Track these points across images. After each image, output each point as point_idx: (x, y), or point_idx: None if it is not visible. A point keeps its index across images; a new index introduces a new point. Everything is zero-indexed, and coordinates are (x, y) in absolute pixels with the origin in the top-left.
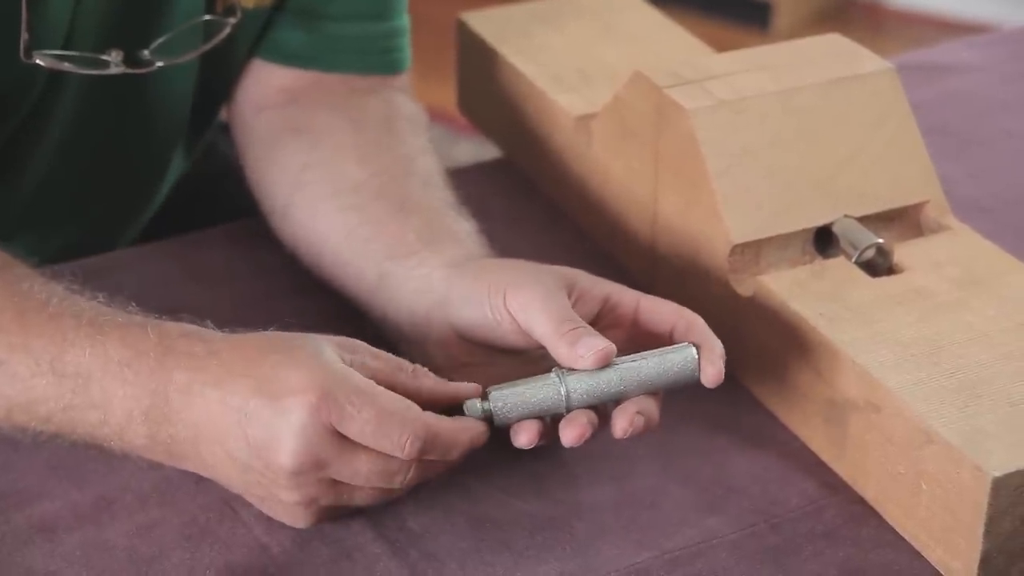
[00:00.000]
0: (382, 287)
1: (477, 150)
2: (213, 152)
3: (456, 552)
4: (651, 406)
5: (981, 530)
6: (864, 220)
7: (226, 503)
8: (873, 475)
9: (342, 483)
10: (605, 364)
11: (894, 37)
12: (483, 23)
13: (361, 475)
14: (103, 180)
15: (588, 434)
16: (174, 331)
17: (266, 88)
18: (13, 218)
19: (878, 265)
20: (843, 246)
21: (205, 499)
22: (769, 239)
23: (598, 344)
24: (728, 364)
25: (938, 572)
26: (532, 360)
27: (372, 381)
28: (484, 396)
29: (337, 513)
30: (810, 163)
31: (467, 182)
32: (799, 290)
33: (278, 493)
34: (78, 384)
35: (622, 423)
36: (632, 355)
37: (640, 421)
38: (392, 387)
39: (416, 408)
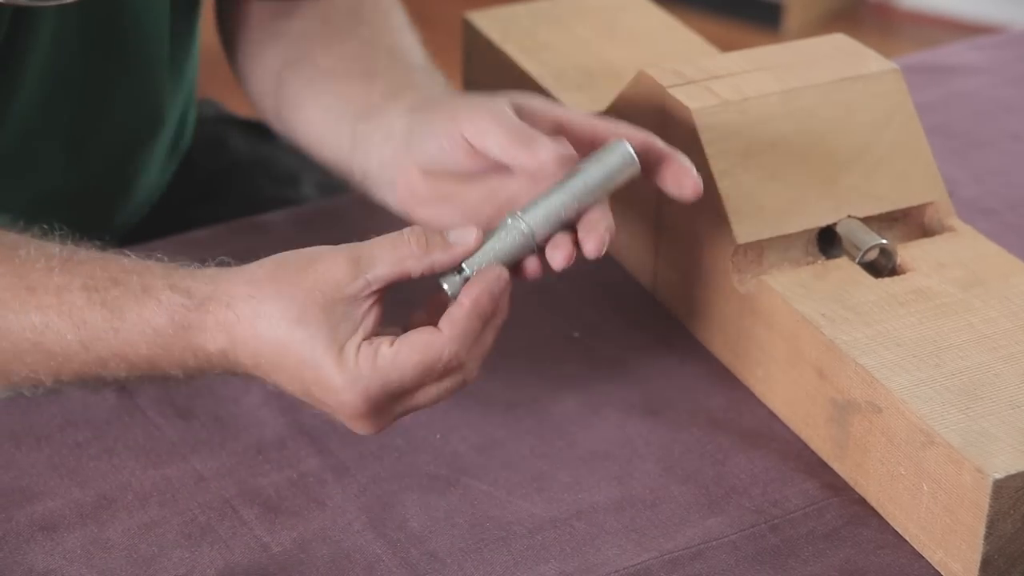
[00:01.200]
0: (355, 148)
1: None
2: (221, 146)
3: (456, 552)
4: (607, 215)
5: (982, 532)
6: (868, 221)
7: (227, 502)
8: (874, 476)
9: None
10: (565, 168)
11: (905, 38)
12: (489, 22)
13: (427, 402)
14: (91, 121)
15: (605, 240)
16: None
17: None
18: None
19: (881, 266)
20: (846, 247)
21: (206, 498)
22: (772, 239)
23: (556, 148)
24: (730, 364)
25: (939, 574)
26: (493, 191)
27: (394, 350)
28: (458, 270)
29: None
30: (814, 164)
31: None
32: (802, 290)
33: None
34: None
35: (595, 243)
36: (572, 170)
37: (608, 235)
38: (410, 276)
39: (441, 337)
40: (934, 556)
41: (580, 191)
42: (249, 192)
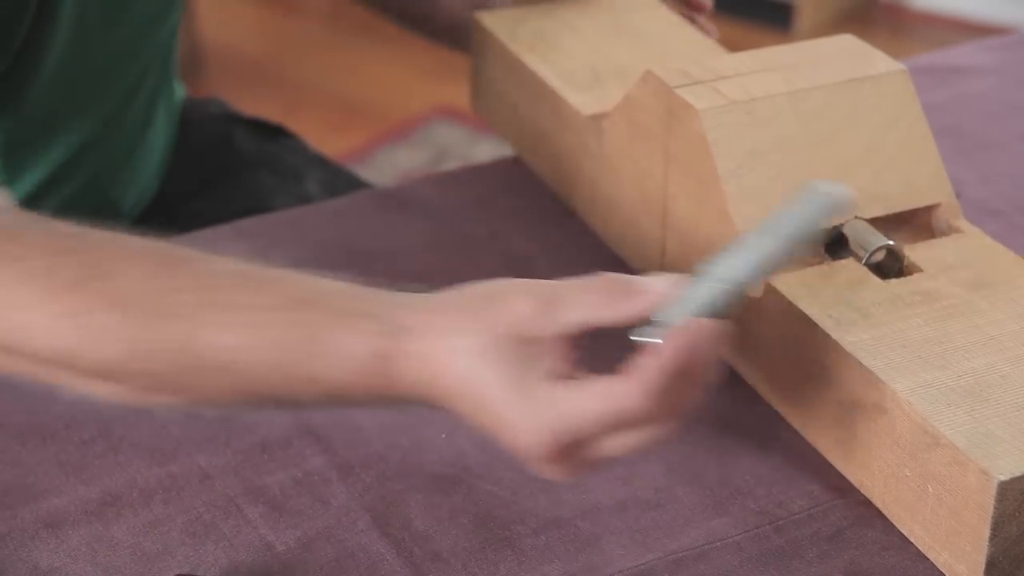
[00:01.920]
0: None
1: (497, 150)
2: (228, 143)
3: (460, 551)
4: None
5: (987, 534)
6: (875, 222)
7: (231, 500)
8: (879, 477)
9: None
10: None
11: (917, 38)
12: (497, 22)
13: (617, 454)
14: (106, 91)
15: None
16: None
17: None
18: (23, 127)
19: (888, 267)
20: (853, 248)
21: (210, 496)
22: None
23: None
24: (736, 364)
25: (941, 575)
26: None
27: (574, 393)
28: (654, 322)
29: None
30: (820, 164)
31: (477, 180)
32: (808, 291)
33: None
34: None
35: None
36: (773, 216)
37: None
38: (600, 324)
39: (628, 388)
40: (939, 558)
41: (788, 236)
42: (253, 187)
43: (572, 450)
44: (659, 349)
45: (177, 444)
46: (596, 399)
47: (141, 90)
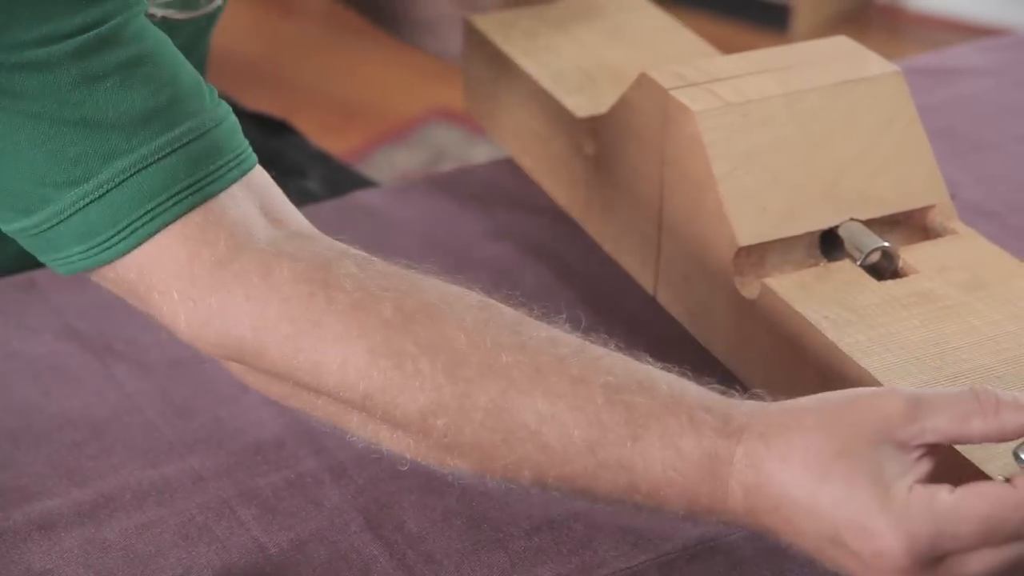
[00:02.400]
0: None
1: (494, 152)
2: None
3: (453, 553)
4: None
5: None
6: (870, 223)
7: (225, 503)
8: None
9: None
10: None
11: (913, 40)
12: (491, 24)
13: (980, 571)
14: None
15: None
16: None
17: None
18: None
19: (884, 268)
20: (848, 249)
21: (203, 498)
22: (774, 242)
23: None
24: (732, 366)
25: None
26: None
27: (956, 496)
28: None
29: None
30: (816, 166)
31: (471, 183)
32: (804, 293)
33: None
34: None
35: None
36: None
37: None
38: (970, 438)
39: (1016, 495)
40: None
41: None
42: None
43: (933, 563)
44: None
45: (170, 446)
46: (977, 503)
47: None
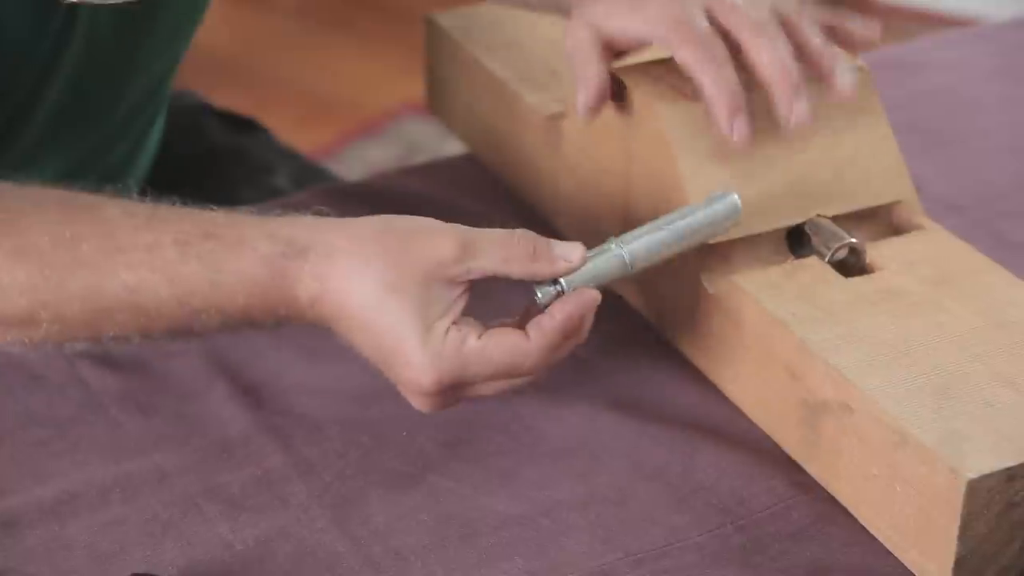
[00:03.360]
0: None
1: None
2: (199, 135)
3: (420, 549)
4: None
5: (956, 532)
6: (836, 220)
7: (190, 500)
8: (847, 477)
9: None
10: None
11: (886, 31)
12: (452, 21)
13: (490, 393)
14: (113, 100)
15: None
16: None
17: None
18: (27, 146)
19: (851, 265)
20: (815, 246)
21: (168, 495)
22: (741, 239)
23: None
24: (700, 364)
25: (909, 572)
26: None
27: (481, 343)
28: (554, 283)
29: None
30: (782, 162)
31: (434, 179)
32: (772, 290)
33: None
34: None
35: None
36: (678, 211)
37: None
38: (509, 276)
39: (529, 345)
40: (907, 556)
41: (683, 232)
42: (224, 181)
43: (455, 390)
44: (556, 310)
45: (135, 443)
46: (497, 351)
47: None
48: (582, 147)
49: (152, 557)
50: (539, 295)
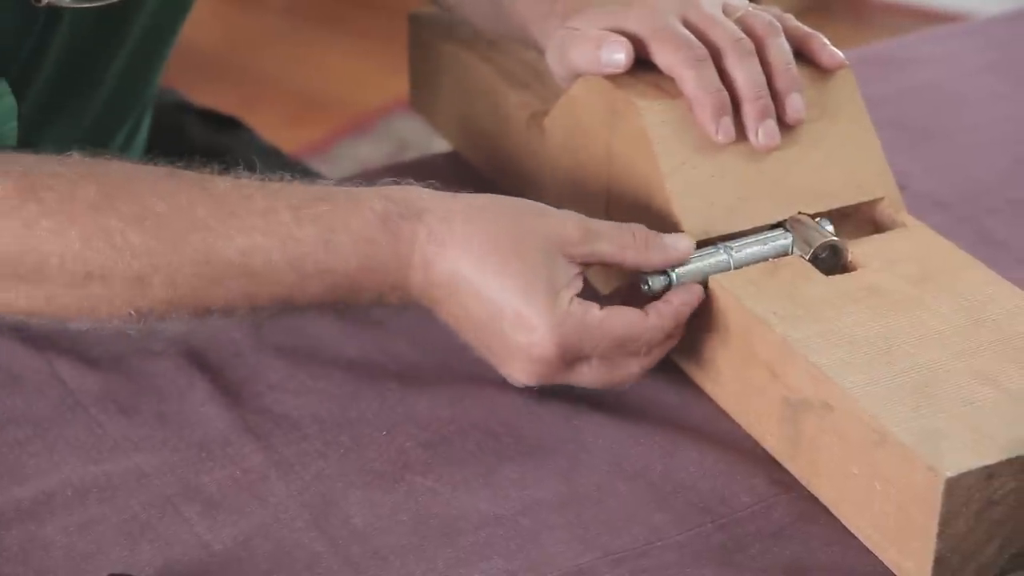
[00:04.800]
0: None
1: None
2: (179, 134)
3: (399, 549)
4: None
5: (935, 531)
6: (818, 218)
7: (168, 500)
8: (826, 475)
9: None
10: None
11: (877, 28)
12: (435, 18)
13: (587, 382)
14: (93, 103)
15: None
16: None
17: None
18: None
19: (832, 263)
20: (797, 244)
21: (147, 496)
22: (722, 237)
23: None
24: (681, 363)
25: (887, 570)
26: None
27: (603, 314)
28: (664, 274)
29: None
30: (763, 160)
31: (420, 175)
32: (753, 288)
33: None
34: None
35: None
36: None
37: None
38: (623, 263)
39: (647, 321)
40: (886, 555)
41: (778, 252)
42: None
43: (566, 362)
44: (673, 296)
45: (114, 443)
46: (618, 321)
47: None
48: (564, 145)
49: (129, 557)
50: (650, 283)
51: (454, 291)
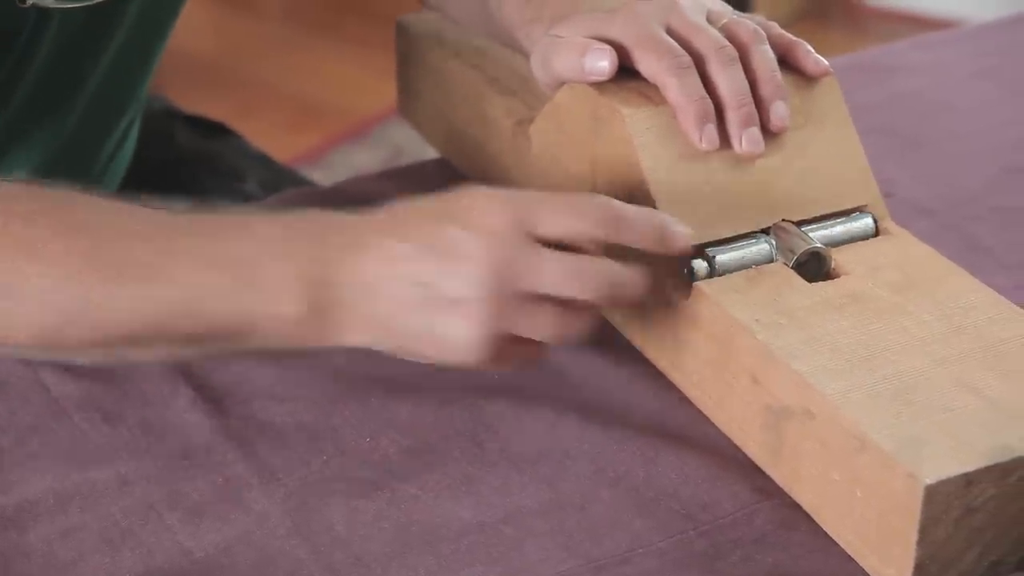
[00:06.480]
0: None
1: None
2: (168, 140)
3: (381, 556)
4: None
5: (915, 537)
6: (801, 225)
7: (150, 507)
8: (808, 482)
9: (526, 303)
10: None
11: (872, 34)
12: (422, 25)
13: (552, 278)
14: (81, 103)
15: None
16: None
17: None
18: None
19: (815, 270)
20: (780, 251)
21: (129, 503)
22: (706, 244)
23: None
24: (665, 369)
25: None
26: None
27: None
28: (702, 256)
29: (510, 353)
30: (747, 168)
31: (410, 182)
32: (735, 296)
33: (457, 318)
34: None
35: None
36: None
37: None
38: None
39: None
40: (867, 561)
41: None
42: (193, 186)
43: (519, 235)
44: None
45: (97, 450)
46: (566, 196)
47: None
48: (550, 152)
49: (111, 565)
50: (693, 268)
51: (390, 214)
